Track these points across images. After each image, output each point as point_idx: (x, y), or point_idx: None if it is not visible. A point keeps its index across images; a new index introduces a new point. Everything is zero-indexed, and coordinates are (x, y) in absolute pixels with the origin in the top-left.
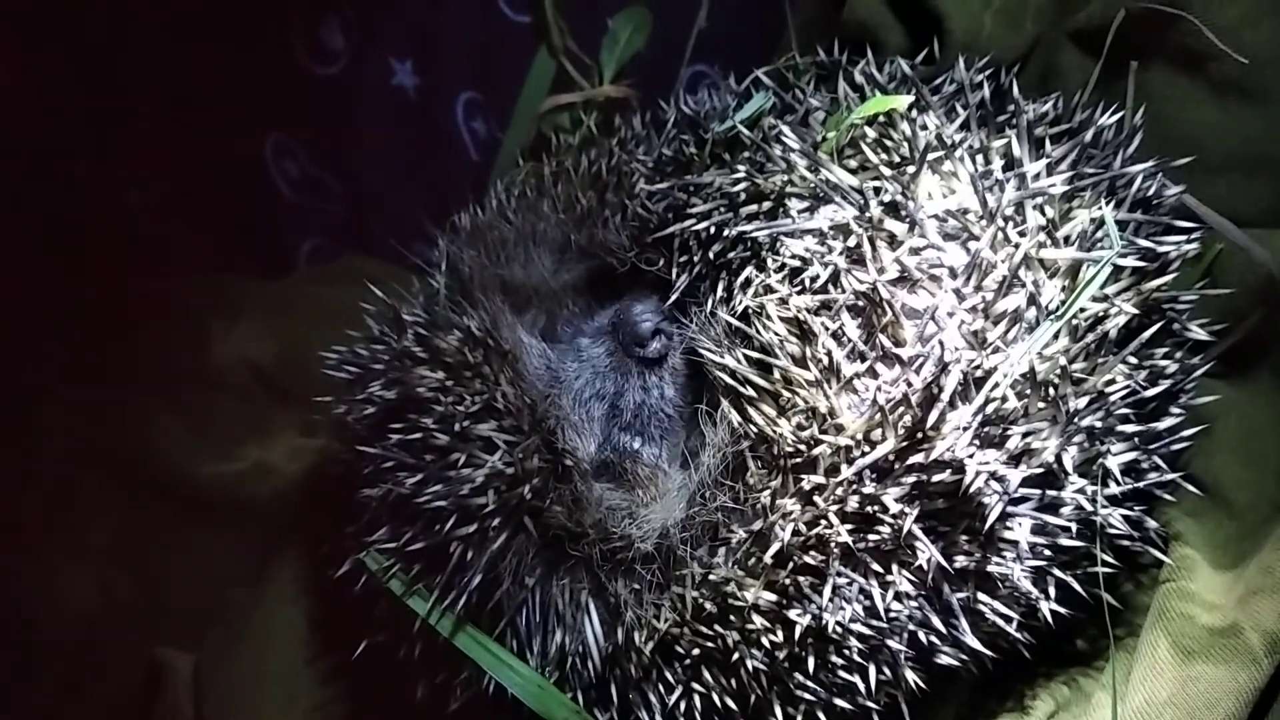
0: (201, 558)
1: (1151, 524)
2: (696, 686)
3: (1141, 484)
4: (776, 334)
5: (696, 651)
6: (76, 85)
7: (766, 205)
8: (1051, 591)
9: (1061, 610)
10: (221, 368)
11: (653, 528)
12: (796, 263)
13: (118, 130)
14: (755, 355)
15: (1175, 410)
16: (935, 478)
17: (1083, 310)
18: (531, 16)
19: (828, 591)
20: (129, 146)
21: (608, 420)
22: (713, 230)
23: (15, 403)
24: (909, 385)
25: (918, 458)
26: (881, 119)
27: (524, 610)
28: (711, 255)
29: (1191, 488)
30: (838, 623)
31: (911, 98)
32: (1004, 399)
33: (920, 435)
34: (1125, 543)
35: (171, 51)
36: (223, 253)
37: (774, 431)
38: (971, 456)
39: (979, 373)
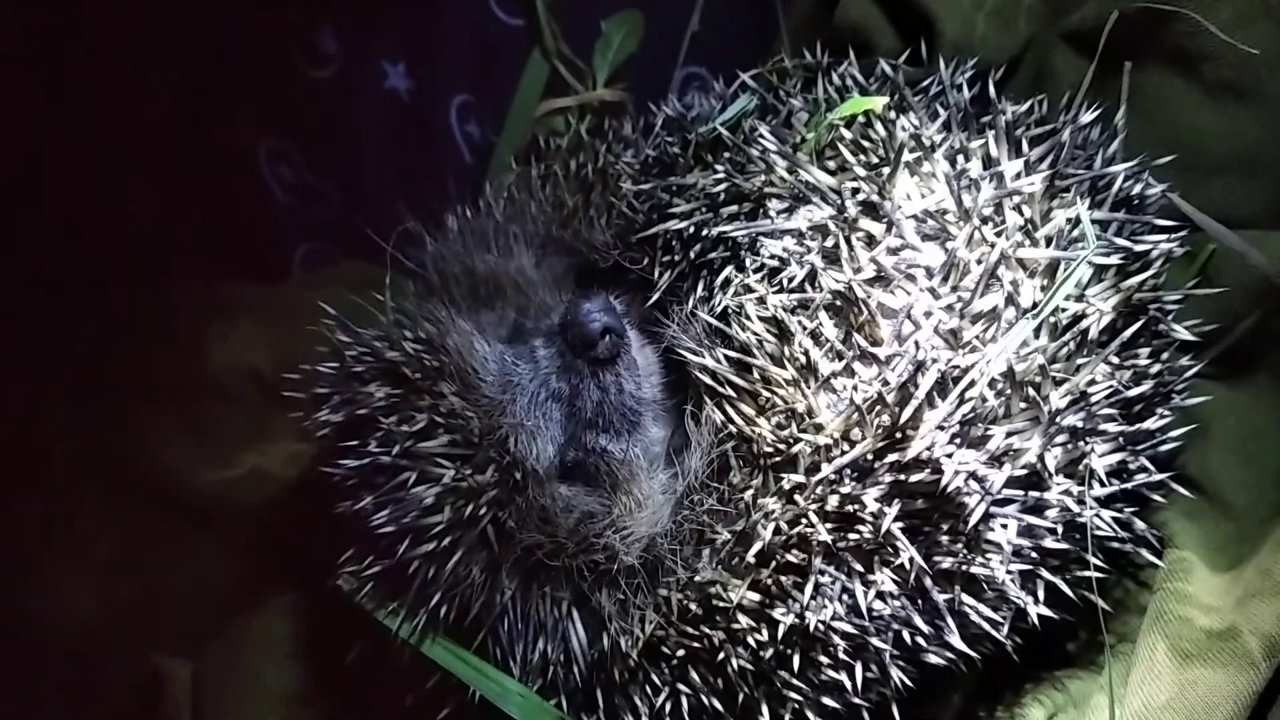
0: (200, 565)
1: (1140, 525)
2: (683, 687)
3: (1130, 485)
4: (755, 333)
5: (682, 652)
6: (71, 93)
7: (747, 206)
8: (1040, 594)
9: (1050, 614)
10: (218, 374)
11: (637, 538)
12: (775, 263)
13: (113, 138)
14: (734, 355)
15: (1163, 410)
16: (914, 477)
17: (1062, 309)
18: (524, 20)
19: (809, 590)
20: (124, 154)
21: (569, 420)
22: (694, 230)
23: (14, 411)
24: (886, 384)
25: (895, 457)
26: (861, 120)
27: (504, 620)
28: (693, 255)
29: (1182, 489)
30: (820, 621)
31: (887, 98)
32: (982, 398)
33: (898, 434)
34: (1116, 545)
35: (165, 57)
36: (218, 259)
37: (753, 431)
38: (950, 456)
39: (956, 372)
